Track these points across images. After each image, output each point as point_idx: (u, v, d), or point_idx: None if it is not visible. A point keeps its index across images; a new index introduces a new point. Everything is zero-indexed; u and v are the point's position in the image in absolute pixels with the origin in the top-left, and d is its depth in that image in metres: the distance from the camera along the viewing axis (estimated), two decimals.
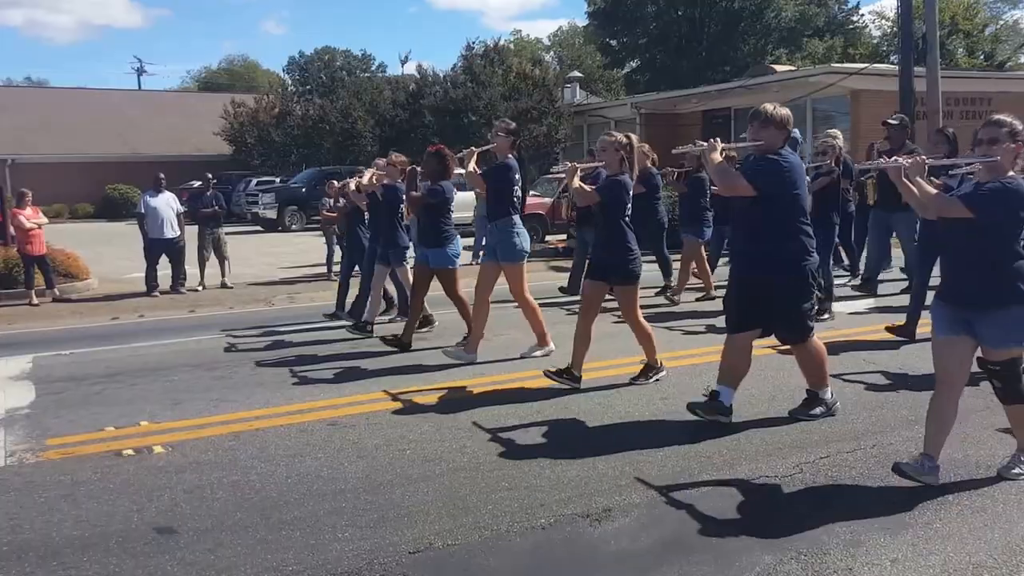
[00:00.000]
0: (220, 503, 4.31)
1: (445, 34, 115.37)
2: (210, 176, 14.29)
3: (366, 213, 8.99)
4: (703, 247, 10.11)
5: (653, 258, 10.33)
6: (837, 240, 9.23)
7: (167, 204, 12.63)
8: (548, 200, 18.08)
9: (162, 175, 13.00)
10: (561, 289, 10.40)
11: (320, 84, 47.16)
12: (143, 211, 12.64)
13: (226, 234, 13.48)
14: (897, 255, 9.90)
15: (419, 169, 7.95)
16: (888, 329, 7.48)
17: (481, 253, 9.41)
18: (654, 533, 3.82)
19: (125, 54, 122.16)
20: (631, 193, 6.13)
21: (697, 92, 26.91)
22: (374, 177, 8.39)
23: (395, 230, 8.33)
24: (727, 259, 6.49)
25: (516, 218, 7.07)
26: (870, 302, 9.32)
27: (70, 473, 4.80)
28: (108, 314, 10.98)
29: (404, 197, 8.09)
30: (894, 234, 9.17)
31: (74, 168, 35.28)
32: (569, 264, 10.98)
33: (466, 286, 7.62)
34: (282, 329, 9.21)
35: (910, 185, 4.14)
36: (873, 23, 49.95)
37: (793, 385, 5.69)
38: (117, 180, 34.57)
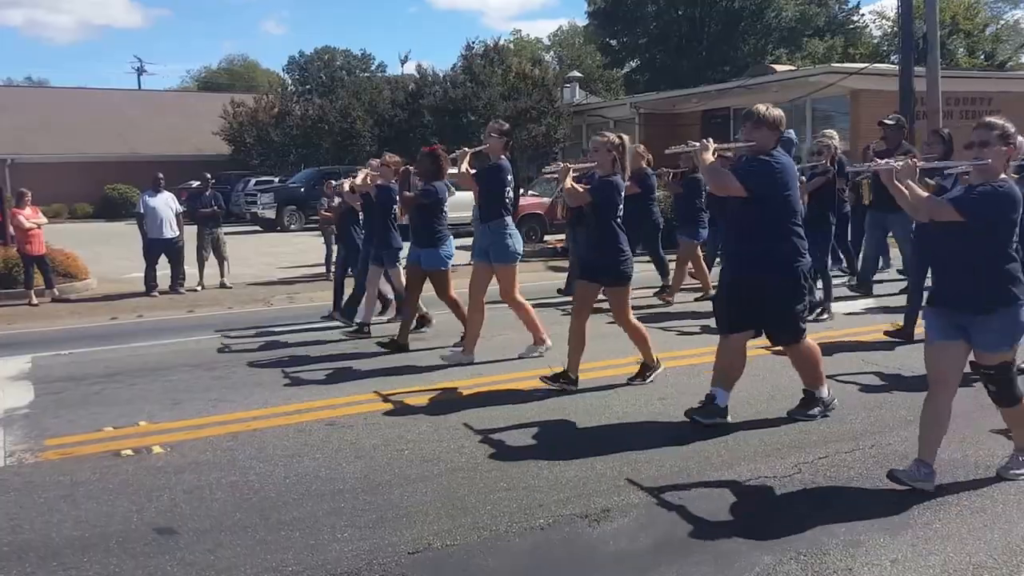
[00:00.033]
0: (219, 503, 4.31)
1: (445, 34, 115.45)
2: (209, 176, 14.28)
3: (360, 213, 8.98)
4: (699, 248, 10.10)
5: (648, 259, 10.36)
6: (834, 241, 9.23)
7: (166, 204, 12.63)
8: (547, 200, 18.08)
9: (161, 175, 13.00)
10: (560, 291, 10.40)
11: (320, 84, 47.15)
12: (142, 211, 12.63)
13: (225, 234, 13.47)
14: (897, 255, 9.90)
15: (413, 169, 7.94)
16: (887, 333, 7.47)
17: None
18: (653, 533, 3.82)
19: (125, 54, 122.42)
20: (623, 194, 6.11)
21: (697, 92, 26.90)
22: (368, 177, 8.38)
23: (388, 231, 8.31)
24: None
25: (509, 219, 7.07)
26: (868, 302, 9.32)
27: (69, 473, 4.80)
28: (107, 314, 10.97)
29: (397, 197, 8.08)
30: (890, 234, 9.17)
31: (73, 168, 35.28)
32: (568, 264, 11.00)
33: (462, 286, 7.60)
34: (281, 329, 9.20)
35: (901, 188, 4.13)
36: (873, 23, 49.93)
37: (791, 385, 5.68)
38: (116, 180, 34.57)
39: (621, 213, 6.08)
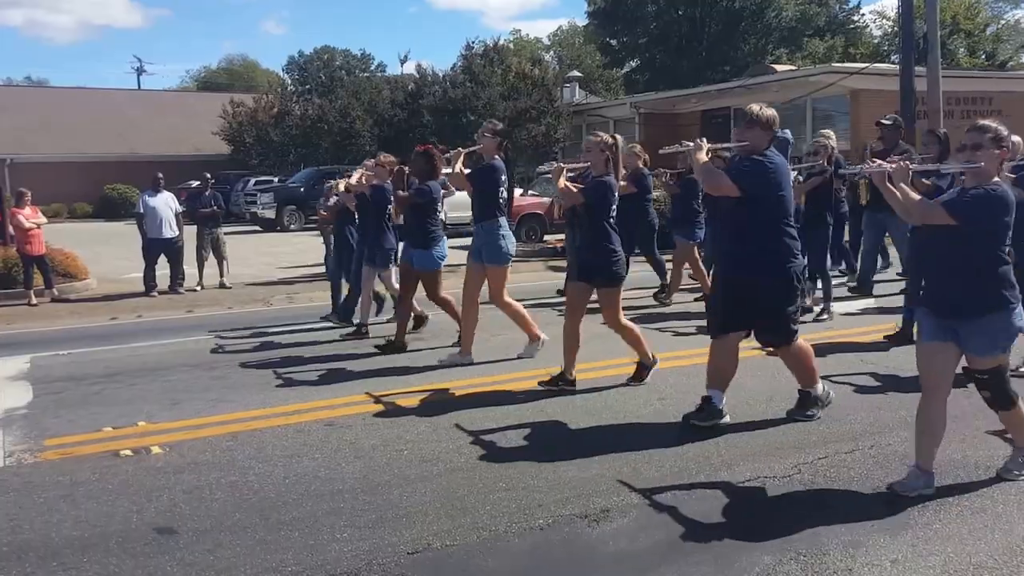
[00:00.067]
0: (219, 503, 4.31)
1: (445, 34, 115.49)
2: (208, 176, 14.28)
3: (355, 214, 8.95)
4: (695, 248, 10.08)
5: (644, 260, 10.36)
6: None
7: (166, 204, 12.62)
8: (547, 200, 18.08)
9: (161, 175, 12.99)
10: (559, 291, 10.39)
11: (319, 84, 47.14)
12: (142, 211, 12.63)
13: (224, 234, 13.46)
14: (896, 255, 9.89)
15: (407, 169, 7.93)
16: (887, 338, 7.46)
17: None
18: (652, 534, 3.82)
19: (125, 54, 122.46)
20: (616, 194, 6.09)
21: (696, 92, 26.92)
22: (363, 177, 8.36)
23: (381, 231, 8.28)
24: None
25: (502, 220, 7.04)
26: (868, 302, 9.32)
27: (69, 473, 4.79)
28: (106, 314, 10.97)
29: (392, 197, 8.07)
30: (887, 235, 9.17)
31: (73, 168, 35.29)
32: (566, 264, 10.98)
33: (457, 287, 7.59)
34: (280, 330, 9.20)
35: (894, 190, 4.11)
36: (874, 23, 49.92)
37: (790, 386, 5.67)
38: (116, 180, 34.58)
39: (615, 213, 6.06)
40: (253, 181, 29.57)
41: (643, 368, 6.26)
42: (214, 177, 16.80)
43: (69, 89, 47.49)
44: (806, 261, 8.91)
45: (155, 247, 12.50)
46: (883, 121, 9.13)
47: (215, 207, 13.19)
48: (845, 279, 10.53)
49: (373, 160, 8.68)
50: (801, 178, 8.39)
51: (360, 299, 8.65)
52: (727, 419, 5.21)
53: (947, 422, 4.16)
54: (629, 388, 6.16)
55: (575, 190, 6.09)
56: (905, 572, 3.41)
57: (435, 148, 7.80)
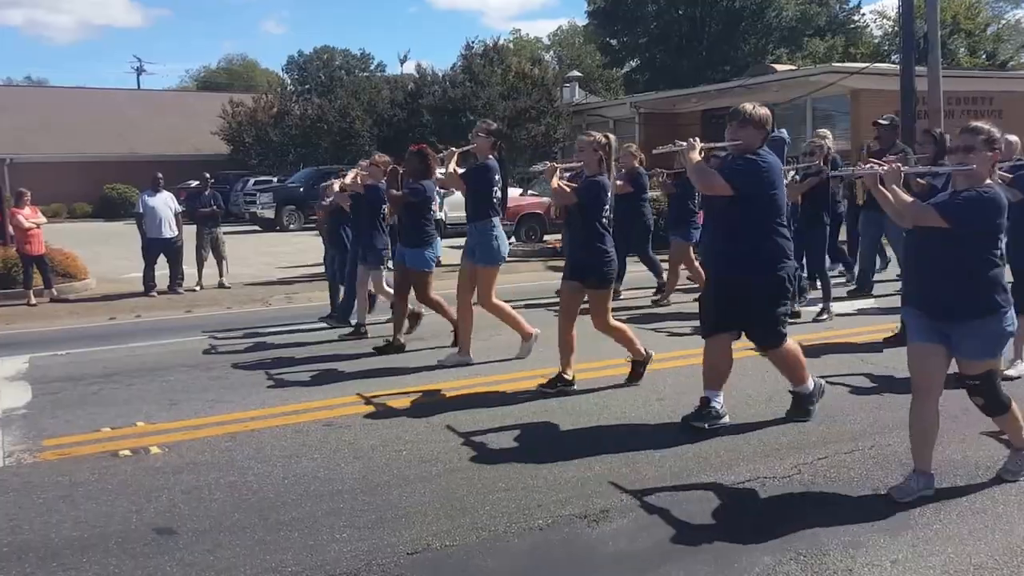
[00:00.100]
0: (218, 504, 4.30)
1: (445, 34, 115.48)
2: (208, 176, 14.28)
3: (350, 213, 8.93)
4: (691, 249, 10.07)
5: (640, 260, 10.36)
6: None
7: (165, 204, 12.61)
8: (547, 200, 18.07)
9: (160, 175, 12.98)
10: (558, 292, 10.37)
11: (319, 84, 47.14)
12: (141, 211, 12.62)
13: (224, 234, 13.46)
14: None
15: (401, 169, 7.92)
16: (885, 340, 7.45)
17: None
18: (652, 534, 3.81)
19: (125, 54, 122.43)
20: (610, 194, 6.07)
21: (697, 92, 26.92)
22: (358, 177, 8.35)
23: (374, 231, 8.26)
24: None
25: (496, 220, 7.01)
26: (868, 302, 9.32)
27: (68, 474, 4.79)
28: (105, 314, 10.96)
29: (386, 197, 8.05)
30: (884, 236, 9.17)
31: (73, 168, 35.30)
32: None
33: (452, 287, 7.56)
34: (279, 330, 9.19)
35: (886, 193, 4.08)
36: (874, 22, 49.93)
37: (790, 386, 5.66)
38: (115, 180, 34.57)
39: (608, 213, 6.03)
40: (252, 181, 29.57)
41: (638, 365, 6.24)
42: (213, 177, 16.81)
43: (69, 89, 47.51)
44: (804, 261, 8.98)
45: (154, 247, 12.50)
46: (880, 121, 9.13)
47: (214, 207, 13.19)
48: (843, 279, 10.52)
49: (368, 160, 8.66)
50: (798, 178, 8.39)
51: (356, 299, 8.64)
52: (726, 420, 5.20)
53: (947, 422, 4.16)
54: (628, 388, 6.16)
55: (568, 189, 6.07)
56: (905, 572, 3.40)
57: (429, 148, 7.78)
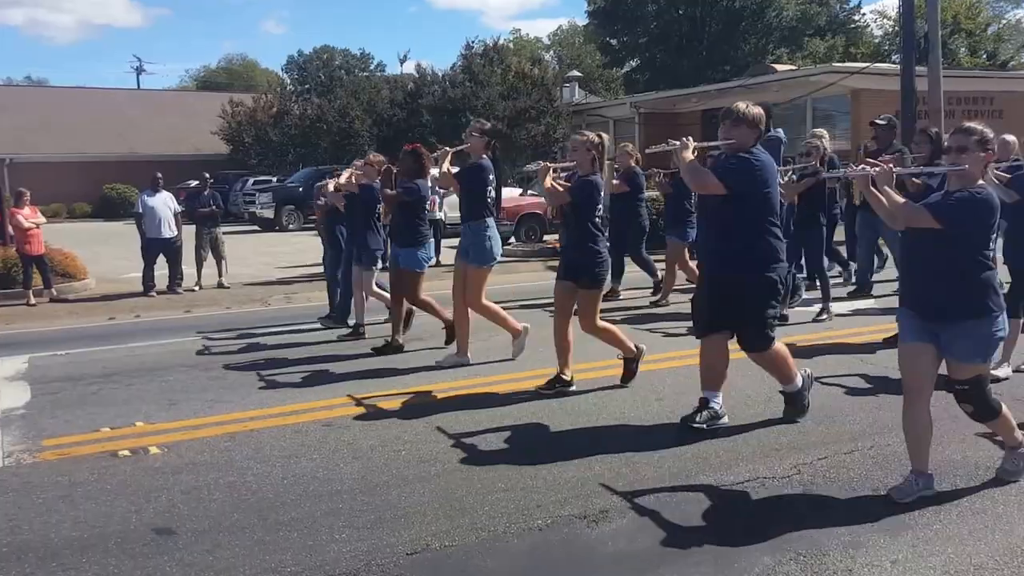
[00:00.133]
0: (217, 504, 4.30)
1: (445, 33, 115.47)
2: (207, 176, 14.28)
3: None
4: (687, 249, 10.07)
5: (632, 260, 10.36)
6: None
7: (164, 204, 12.60)
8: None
9: (160, 175, 12.97)
10: None
11: (318, 83, 47.15)
12: (141, 211, 12.61)
13: (223, 234, 13.44)
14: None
15: (395, 168, 7.91)
16: (886, 341, 7.45)
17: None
18: (652, 534, 3.81)
19: (125, 53, 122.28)
20: (603, 193, 6.06)
21: (697, 92, 26.93)
22: (352, 177, 8.34)
23: (369, 231, 8.24)
24: None
25: (490, 220, 6.98)
26: (867, 303, 9.31)
27: (67, 474, 4.79)
28: (105, 314, 10.96)
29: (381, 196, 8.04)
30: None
31: (72, 168, 35.31)
32: None
33: (444, 288, 7.55)
34: (277, 330, 9.19)
35: (878, 194, 4.05)
36: (875, 22, 50.00)
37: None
38: (115, 180, 34.58)
39: (601, 213, 6.02)
40: (252, 181, 29.57)
41: (630, 363, 6.20)
42: (213, 177, 16.80)
43: (69, 89, 47.51)
44: (804, 262, 8.98)
45: (154, 247, 12.49)
46: (877, 121, 9.13)
47: (214, 207, 13.18)
48: (840, 280, 10.51)
49: (362, 160, 8.65)
50: (795, 177, 8.38)
51: (353, 299, 8.63)
52: (725, 420, 5.19)
53: (948, 422, 4.15)
54: (627, 388, 6.15)
55: (561, 189, 6.05)
56: (905, 573, 3.40)
57: (423, 147, 7.77)
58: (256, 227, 25.69)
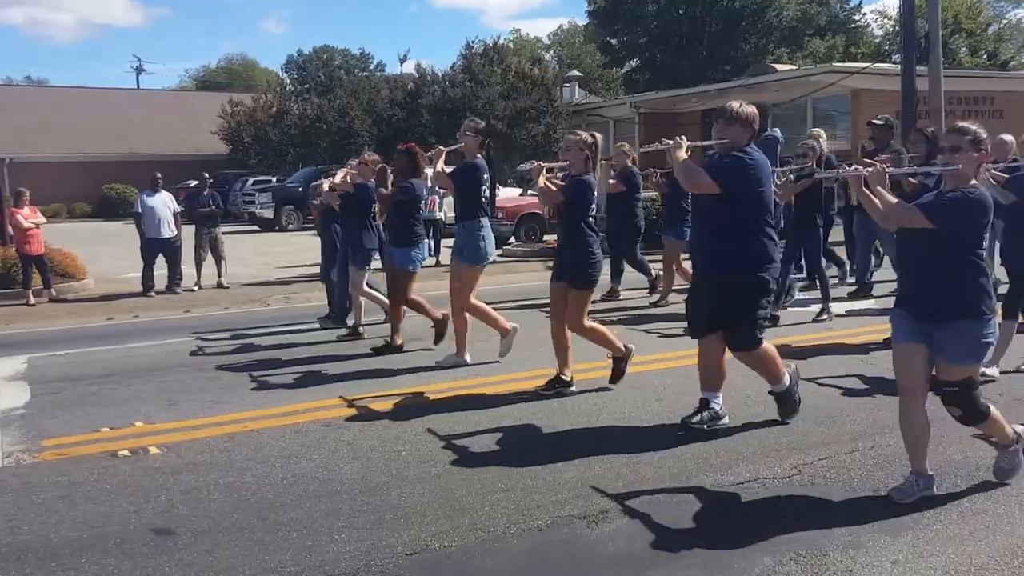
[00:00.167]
0: (217, 504, 4.29)
1: (445, 33, 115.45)
2: (207, 176, 14.26)
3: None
4: (682, 248, 10.06)
5: (626, 261, 10.35)
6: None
7: (164, 204, 12.59)
8: None
9: (159, 175, 12.96)
10: None
11: (318, 83, 47.16)
12: (140, 211, 12.59)
13: (223, 234, 13.43)
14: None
15: (390, 168, 7.91)
16: (886, 341, 7.44)
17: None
18: (651, 535, 3.80)
19: (125, 53, 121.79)
20: (596, 193, 6.03)
21: (697, 91, 26.93)
22: (347, 176, 8.33)
23: (364, 230, 8.23)
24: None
25: (484, 220, 6.96)
26: (868, 303, 9.31)
27: (67, 474, 4.78)
28: (104, 314, 10.95)
29: (375, 195, 8.03)
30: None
31: (72, 167, 35.30)
32: None
33: (443, 287, 7.53)
34: (277, 330, 9.18)
35: (870, 195, 4.04)
36: (875, 22, 50.05)
37: None
38: (115, 180, 34.57)
39: (594, 212, 5.99)
40: (251, 181, 29.56)
41: (619, 362, 6.16)
42: (212, 177, 16.78)
43: (69, 88, 47.50)
44: (804, 262, 8.98)
45: (153, 247, 12.47)
46: (874, 121, 9.14)
47: (213, 207, 13.17)
48: (837, 280, 10.50)
49: (357, 159, 8.64)
50: (792, 177, 8.38)
51: (350, 300, 8.62)
52: (726, 421, 5.19)
53: (949, 423, 4.14)
54: (627, 389, 6.14)
55: (554, 188, 6.04)
56: (906, 573, 3.39)
57: (417, 146, 7.76)
58: (255, 227, 25.67)
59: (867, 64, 25.23)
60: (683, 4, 41.71)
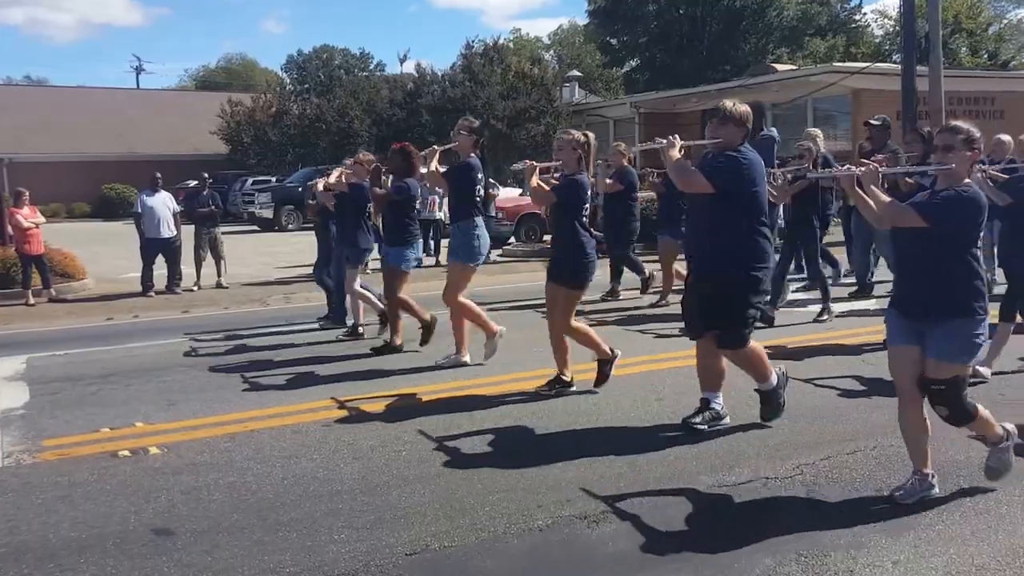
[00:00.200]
0: (217, 504, 4.28)
1: (445, 33, 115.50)
2: (206, 176, 14.25)
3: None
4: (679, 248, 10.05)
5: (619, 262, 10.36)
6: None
7: (163, 204, 12.58)
8: None
9: (159, 175, 12.95)
10: None
11: (318, 83, 47.15)
12: (140, 211, 12.58)
13: (222, 234, 13.42)
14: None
15: (383, 167, 7.90)
16: (886, 341, 7.44)
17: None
18: (652, 535, 3.80)
19: (125, 53, 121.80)
20: (589, 192, 6.01)
21: (697, 91, 26.91)
22: (342, 176, 8.32)
23: (358, 229, 8.21)
24: None
25: (479, 219, 6.94)
26: (868, 303, 9.30)
27: (67, 474, 4.77)
28: (103, 314, 10.94)
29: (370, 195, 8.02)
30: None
31: (71, 167, 35.28)
32: None
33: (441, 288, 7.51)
34: (276, 330, 9.17)
35: (863, 195, 4.02)
36: (875, 22, 50.06)
37: (790, 386, 5.64)
38: (114, 180, 34.56)
39: (588, 212, 5.97)
40: (251, 181, 29.55)
41: (604, 365, 6.09)
42: (212, 177, 16.78)
43: (68, 88, 47.52)
44: (803, 263, 8.97)
45: (153, 247, 12.46)
46: (871, 121, 9.14)
47: (213, 207, 13.16)
48: (830, 280, 10.48)
49: (352, 159, 8.63)
50: (789, 176, 8.38)
51: (347, 300, 8.61)
52: (726, 421, 5.18)
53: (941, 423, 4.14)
54: (627, 389, 6.13)
55: (547, 188, 6.02)
56: (907, 573, 3.38)
57: (412, 146, 7.75)
58: (255, 227, 25.68)
59: (867, 64, 25.23)
60: (683, 4, 41.70)
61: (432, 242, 15.25)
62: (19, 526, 4.08)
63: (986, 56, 43.27)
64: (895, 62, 27.50)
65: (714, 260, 4.92)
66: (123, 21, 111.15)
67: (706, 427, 5.09)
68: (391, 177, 7.81)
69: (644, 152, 5.59)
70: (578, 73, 39.56)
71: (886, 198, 4.02)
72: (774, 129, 9.63)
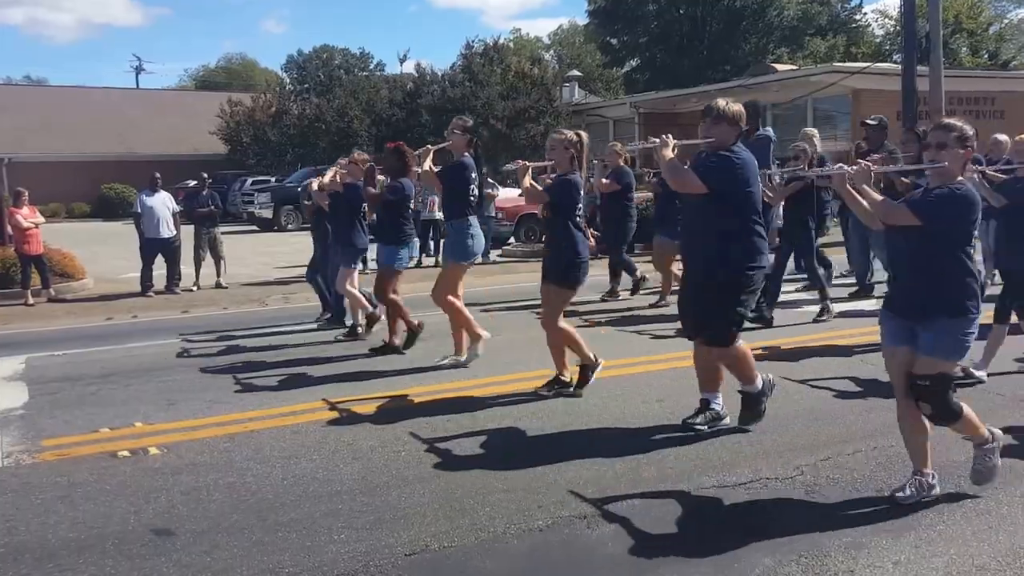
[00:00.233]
0: (216, 505, 4.28)
1: (445, 33, 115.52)
2: (206, 176, 14.25)
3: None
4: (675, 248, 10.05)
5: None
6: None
7: (163, 204, 12.58)
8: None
9: (158, 175, 12.94)
10: None
11: (317, 83, 47.14)
12: (139, 211, 12.58)
13: (222, 234, 13.41)
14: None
15: (378, 167, 7.89)
16: None
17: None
18: (652, 535, 3.79)
19: (125, 52, 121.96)
20: (582, 192, 5.99)
21: (697, 91, 26.89)
22: (337, 176, 8.31)
23: (352, 229, 8.20)
24: None
25: (473, 219, 6.93)
26: (869, 303, 9.29)
27: (66, 474, 4.76)
28: (103, 314, 10.93)
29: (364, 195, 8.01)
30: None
31: (71, 167, 35.29)
32: None
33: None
34: (276, 330, 9.16)
35: (855, 194, 4.01)
36: (876, 22, 50.05)
37: (790, 387, 5.66)
38: (114, 179, 34.57)
39: (581, 212, 5.96)
40: (250, 181, 29.54)
41: (586, 370, 6.05)
42: (211, 177, 16.77)
43: (68, 88, 47.48)
44: (803, 264, 8.96)
45: (152, 247, 12.46)
46: (868, 121, 9.14)
47: (212, 207, 13.15)
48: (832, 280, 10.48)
49: (347, 158, 8.62)
50: (785, 179, 8.37)
51: (345, 301, 8.60)
52: (727, 421, 5.17)
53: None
54: (628, 389, 6.13)
55: (539, 188, 6.00)
56: (908, 574, 3.38)
57: (406, 146, 7.75)
58: (254, 227, 25.67)
59: (868, 64, 25.23)
60: (683, 4, 41.68)
61: (432, 242, 15.24)
62: (18, 526, 4.08)
63: (987, 56, 43.27)
64: (895, 62, 27.52)
65: (708, 260, 4.90)
66: (123, 21, 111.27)
67: (706, 428, 5.09)
68: (387, 177, 7.81)
69: (643, 152, 5.57)
70: (578, 73, 39.58)
71: (878, 196, 4.02)
72: (770, 129, 9.63)
